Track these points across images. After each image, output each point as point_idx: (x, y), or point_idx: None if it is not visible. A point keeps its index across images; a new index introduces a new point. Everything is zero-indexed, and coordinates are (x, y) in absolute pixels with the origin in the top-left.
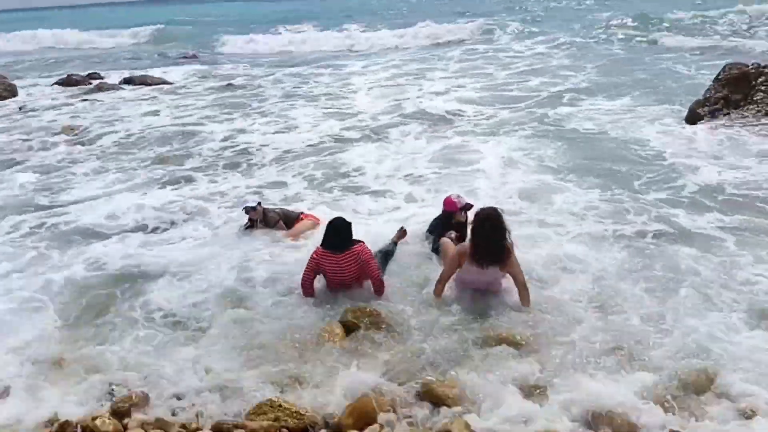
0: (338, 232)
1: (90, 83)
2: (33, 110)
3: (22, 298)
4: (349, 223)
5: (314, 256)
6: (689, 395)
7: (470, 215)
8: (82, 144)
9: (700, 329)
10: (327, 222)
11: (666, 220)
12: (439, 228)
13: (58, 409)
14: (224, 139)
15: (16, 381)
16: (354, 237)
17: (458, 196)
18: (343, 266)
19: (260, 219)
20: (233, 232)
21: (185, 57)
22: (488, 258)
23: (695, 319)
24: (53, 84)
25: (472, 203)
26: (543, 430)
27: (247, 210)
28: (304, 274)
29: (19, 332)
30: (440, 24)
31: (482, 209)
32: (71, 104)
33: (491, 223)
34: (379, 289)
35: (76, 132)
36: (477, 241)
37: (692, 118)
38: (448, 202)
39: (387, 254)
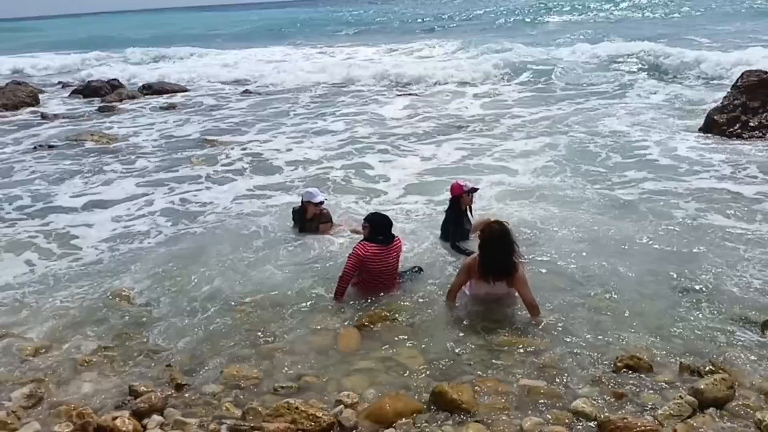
0: (387, 226)
1: (110, 90)
2: (56, 116)
3: None
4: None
5: (359, 252)
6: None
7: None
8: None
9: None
10: (368, 218)
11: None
12: (450, 218)
13: None
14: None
15: None
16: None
17: (464, 181)
18: (391, 256)
19: (313, 217)
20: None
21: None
22: (495, 273)
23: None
24: (73, 92)
25: (477, 187)
26: None
27: (310, 203)
28: (346, 270)
29: None
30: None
31: (490, 223)
32: (91, 111)
33: (498, 238)
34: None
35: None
36: (484, 255)
37: (710, 126)
38: (455, 187)
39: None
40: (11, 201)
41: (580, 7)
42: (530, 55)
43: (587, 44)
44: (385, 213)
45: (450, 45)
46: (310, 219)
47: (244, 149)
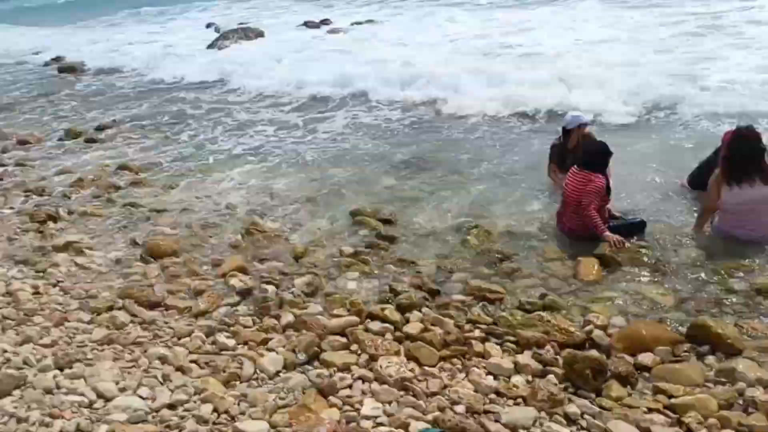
0: (587, 152)
1: (321, 27)
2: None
3: None
4: (605, 152)
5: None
6: None
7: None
8: None
9: None
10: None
11: None
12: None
13: None
14: None
15: None
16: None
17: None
18: (579, 185)
19: (576, 145)
20: None
21: None
22: (739, 174)
23: None
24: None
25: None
26: None
27: (582, 125)
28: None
29: None
30: None
31: (740, 128)
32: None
33: (745, 138)
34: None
35: None
36: (734, 158)
37: None
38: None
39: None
40: None
41: None
42: None
43: None
44: (604, 146)
45: None
46: (572, 149)
47: None
